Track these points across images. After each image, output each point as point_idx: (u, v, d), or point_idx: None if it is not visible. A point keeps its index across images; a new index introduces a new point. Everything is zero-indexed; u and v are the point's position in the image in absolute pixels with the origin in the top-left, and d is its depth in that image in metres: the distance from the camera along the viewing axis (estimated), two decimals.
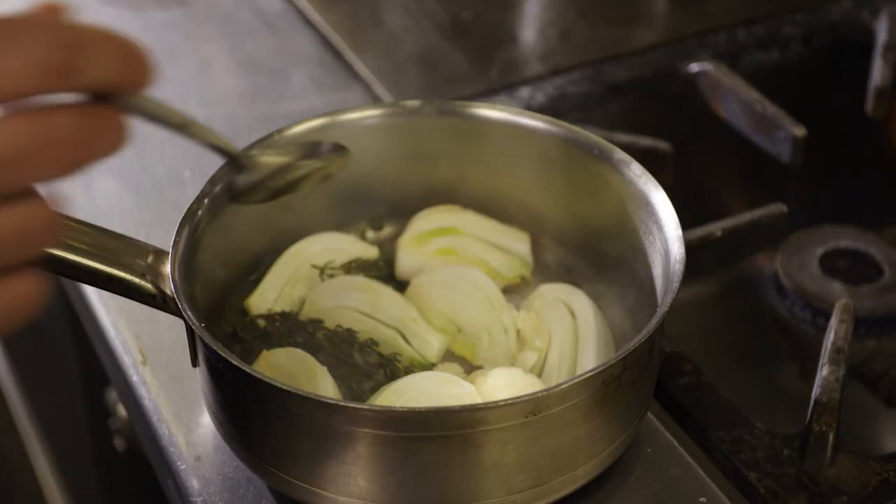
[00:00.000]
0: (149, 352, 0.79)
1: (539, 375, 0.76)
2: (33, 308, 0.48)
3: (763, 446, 0.74)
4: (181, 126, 0.57)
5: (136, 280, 0.69)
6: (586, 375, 0.65)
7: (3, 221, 0.46)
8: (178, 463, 0.73)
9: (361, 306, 0.75)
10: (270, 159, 0.70)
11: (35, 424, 1.61)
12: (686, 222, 0.90)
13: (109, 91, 0.48)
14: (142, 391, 0.77)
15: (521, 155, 0.82)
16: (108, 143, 0.48)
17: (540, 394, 0.63)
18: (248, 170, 0.69)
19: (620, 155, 0.78)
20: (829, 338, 0.78)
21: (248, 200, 0.69)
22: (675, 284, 0.69)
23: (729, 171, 1.08)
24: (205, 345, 0.66)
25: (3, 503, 1.64)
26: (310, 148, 0.72)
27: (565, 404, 0.65)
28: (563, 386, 0.64)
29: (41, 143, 0.46)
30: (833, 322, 0.79)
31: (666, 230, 0.73)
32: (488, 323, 0.76)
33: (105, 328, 0.82)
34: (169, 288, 0.68)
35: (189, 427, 0.75)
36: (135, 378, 0.78)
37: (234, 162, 0.67)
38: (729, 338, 1.01)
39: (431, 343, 0.75)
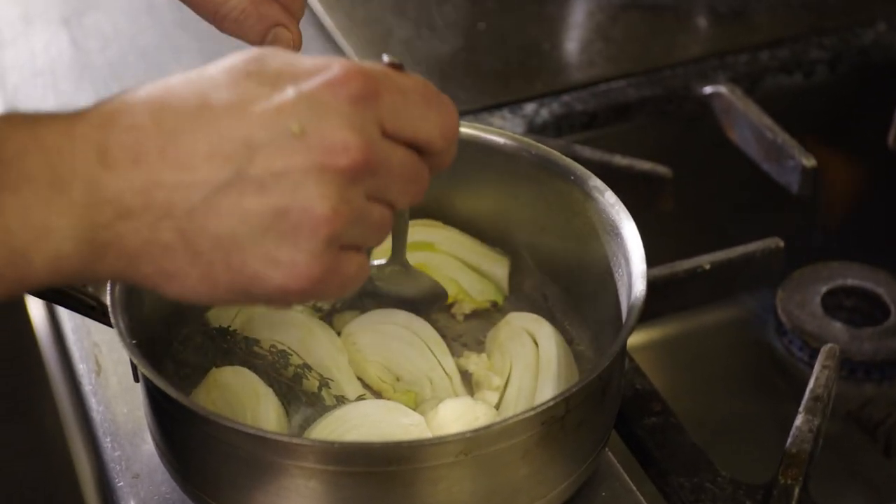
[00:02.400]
0: (105, 363, 0.78)
1: (497, 407, 0.73)
2: (388, 230, 0.58)
3: (725, 496, 0.70)
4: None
5: (74, 290, 0.67)
6: (523, 416, 0.62)
7: (371, 213, 0.57)
8: (116, 480, 0.71)
9: (293, 344, 0.72)
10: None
11: (76, 408, 1.62)
12: (683, 251, 0.87)
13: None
14: (91, 402, 0.76)
15: (499, 176, 0.79)
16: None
17: (470, 434, 0.61)
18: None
19: (595, 182, 0.74)
20: (810, 385, 0.74)
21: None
22: (632, 323, 0.66)
23: (736, 200, 1.04)
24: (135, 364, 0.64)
25: (43, 478, 1.65)
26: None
27: (500, 445, 0.62)
28: (497, 426, 0.61)
29: (415, 173, 0.58)
30: (816, 368, 0.75)
31: (632, 264, 0.70)
32: (428, 369, 0.73)
33: (66, 334, 0.81)
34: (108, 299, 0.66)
35: (133, 443, 0.73)
36: (87, 388, 0.77)
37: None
38: (724, 375, 0.97)
39: (348, 395, 0.72)
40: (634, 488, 0.70)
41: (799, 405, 0.92)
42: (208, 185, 0.53)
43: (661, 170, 0.93)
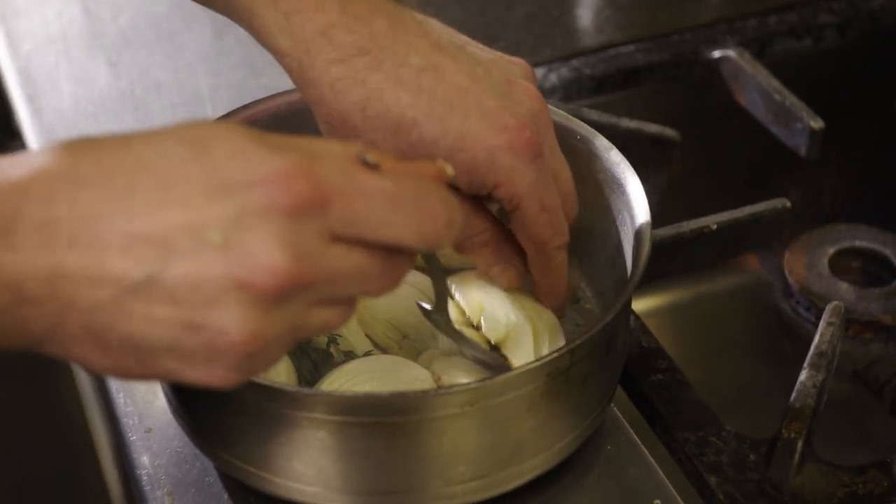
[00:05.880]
0: None
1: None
2: (338, 327, 0.55)
3: (729, 450, 0.71)
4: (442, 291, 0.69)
5: None
6: (528, 367, 0.62)
7: (309, 321, 0.53)
8: (129, 434, 0.72)
9: None
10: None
11: (94, 388, 1.63)
12: (690, 213, 0.87)
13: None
14: None
15: None
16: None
17: (475, 385, 0.61)
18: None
19: (601, 141, 0.75)
20: (815, 341, 0.75)
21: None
22: (637, 276, 0.66)
23: (745, 163, 1.04)
24: None
25: (61, 459, 1.67)
26: None
27: (506, 396, 0.62)
28: (503, 377, 0.62)
29: (378, 271, 0.54)
30: (821, 325, 0.76)
31: (637, 221, 0.70)
32: (433, 326, 0.74)
33: None
34: None
35: (145, 399, 0.74)
36: None
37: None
38: (730, 336, 0.97)
39: (356, 351, 0.72)
40: (639, 442, 0.71)
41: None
42: (117, 285, 0.49)
43: (669, 132, 0.93)
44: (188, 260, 0.49)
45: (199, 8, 1.07)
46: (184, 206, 0.50)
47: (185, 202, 0.50)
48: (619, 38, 1.04)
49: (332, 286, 0.52)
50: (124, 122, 0.95)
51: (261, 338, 0.50)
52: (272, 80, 1.00)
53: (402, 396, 0.62)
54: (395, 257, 0.53)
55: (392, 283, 0.54)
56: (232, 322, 0.50)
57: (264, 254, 0.49)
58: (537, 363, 0.63)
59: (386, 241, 0.53)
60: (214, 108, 0.96)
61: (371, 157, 0.54)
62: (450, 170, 0.57)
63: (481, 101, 0.64)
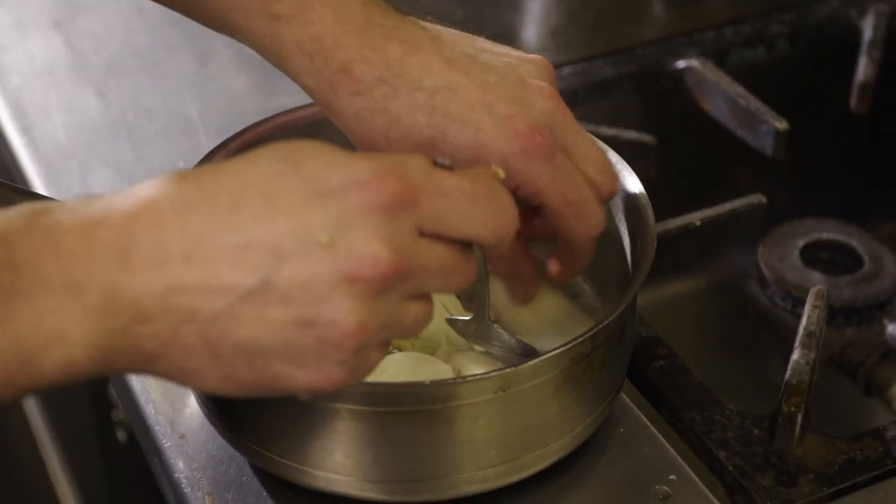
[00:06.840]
0: None
1: None
2: (426, 324, 0.59)
3: (733, 426, 0.75)
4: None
5: None
6: (555, 352, 0.67)
7: (404, 314, 0.57)
8: (164, 441, 0.75)
9: None
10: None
11: (46, 419, 1.64)
12: (669, 214, 0.92)
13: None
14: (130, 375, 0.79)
15: None
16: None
17: (508, 370, 0.65)
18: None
19: (598, 143, 0.79)
20: (802, 323, 0.80)
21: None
22: (646, 267, 0.71)
23: (715, 166, 1.10)
24: None
25: (15, 496, 1.66)
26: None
27: (534, 381, 0.67)
28: (532, 362, 0.66)
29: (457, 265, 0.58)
30: (807, 308, 0.81)
31: (639, 215, 0.75)
32: (444, 326, 0.78)
33: None
34: None
35: (175, 406, 0.77)
36: None
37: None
38: (712, 327, 1.03)
39: None
40: (649, 424, 0.76)
41: (782, 354, 0.98)
42: (233, 293, 0.53)
43: (646, 138, 0.98)
44: (298, 262, 0.53)
45: (179, 37, 1.11)
46: (288, 215, 0.54)
47: (289, 211, 0.54)
48: (586, 53, 1.09)
49: (422, 278, 0.56)
50: (120, 148, 0.98)
51: (367, 329, 0.54)
52: (259, 104, 1.04)
53: (441, 384, 0.66)
54: (467, 254, 0.58)
55: (466, 278, 0.58)
56: (342, 313, 0.54)
57: (368, 248, 0.54)
58: (562, 349, 0.67)
59: (465, 236, 0.57)
60: (206, 132, 1.00)
61: (444, 160, 0.58)
62: (501, 173, 0.61)
63: (493, 111, 0.68)
